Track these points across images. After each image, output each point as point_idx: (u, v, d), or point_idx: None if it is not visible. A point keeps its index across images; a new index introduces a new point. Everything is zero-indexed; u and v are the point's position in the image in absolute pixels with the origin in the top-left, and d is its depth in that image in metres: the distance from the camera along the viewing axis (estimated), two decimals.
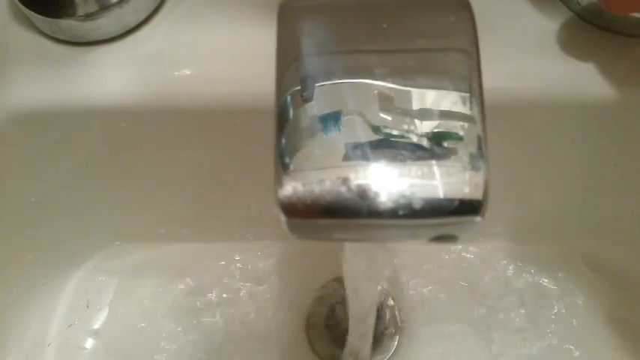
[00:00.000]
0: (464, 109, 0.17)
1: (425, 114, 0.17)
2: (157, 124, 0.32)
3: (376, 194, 0.16)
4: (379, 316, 0.39)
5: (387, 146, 0.17)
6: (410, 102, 0.17)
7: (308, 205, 0.16)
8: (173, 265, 0.41)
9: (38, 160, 0.33)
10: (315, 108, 0.17)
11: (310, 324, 0.39)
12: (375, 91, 0.18)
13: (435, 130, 0.17)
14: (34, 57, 0.31)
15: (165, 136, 0.33)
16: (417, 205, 0.16)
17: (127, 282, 0.41)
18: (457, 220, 0.17)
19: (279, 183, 0.17)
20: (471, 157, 0.17)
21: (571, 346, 0.38)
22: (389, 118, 0.17)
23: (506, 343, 0.38)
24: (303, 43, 0.18)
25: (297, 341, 0.38)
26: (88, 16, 0.29)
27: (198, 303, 0.40)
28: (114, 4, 0.30)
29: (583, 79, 0.30)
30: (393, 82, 0.18)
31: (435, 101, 0.17)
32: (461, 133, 0.17)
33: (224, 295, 0.40)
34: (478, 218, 0.16)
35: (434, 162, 0.17)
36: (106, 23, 0.30)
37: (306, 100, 0.18)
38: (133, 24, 0.31)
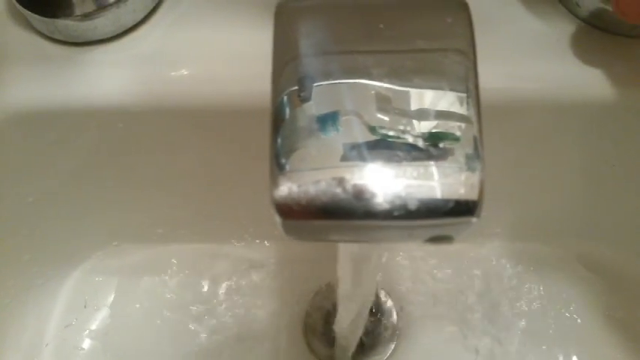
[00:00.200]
0: (460, 110, 0.17)
1: (421, 114, 0.17)
2: (154, 124, 0.32)
3: (372, 195, 0.16)
4: (378, 318, 0.39)
5: (383, 147, 0.17)
6: (406, 102, 0.17)
7: (303, 206, 0.16)
8: (171, 265, 0.41)
9: (35, 160, 0.33)
10: (312, 108, 0.17)
11: (308, 324, 0.39)
12: (372, 92, 0.17)
13: (431, 131, 0.17)
14: (32, 57, 0.31)
15: (163, 136, 0.33)
16: (413, 206, 0.16)
17: (125, 282, 0.41)
18: (453, 221, 0.16)
19: (274, 183, 0.17)
20: (467, 157, 0.17)
21: (570, 347, 0.38)
22: (386, 118, 0.17)
23: (505, 344, 0.38)
24: (300, 44, 0.18)
25: (295, 341, 0.38)
26: (86, 16, 0.29)
27: (195, 304, 0.40)
28: (111, 4, 0.29)
29: (582, 80, 0.30)
30: (390, 83, 0.18)
31: (432, 102, 0.17)
32: (457, 133, 0.17)
33: (221, 296, 0.40)
34: (474, 219, 0.16)
35: (430, 163, 0.16)
36: (104, 23, 0.30)
37: (304, 100, 0.17)
38: (130, 24, 0.31)
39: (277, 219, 0.17)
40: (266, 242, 0.41)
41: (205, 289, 0.40)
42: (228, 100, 0.31)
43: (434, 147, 0.17)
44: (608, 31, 0.30)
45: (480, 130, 0.17)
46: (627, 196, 0.36)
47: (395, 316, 0.39)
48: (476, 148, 0.17)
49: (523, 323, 0.38)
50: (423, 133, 0.17)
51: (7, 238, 0.35)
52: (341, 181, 0.16)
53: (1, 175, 0.33)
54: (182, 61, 0.31)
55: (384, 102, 0.17)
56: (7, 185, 0.33)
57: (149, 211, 0.39)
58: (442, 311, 0.39)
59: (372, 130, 0.17)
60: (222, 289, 0.40)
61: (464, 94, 0.17)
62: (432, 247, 0.39)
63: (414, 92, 0.18)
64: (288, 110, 0.17)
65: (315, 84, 0.18)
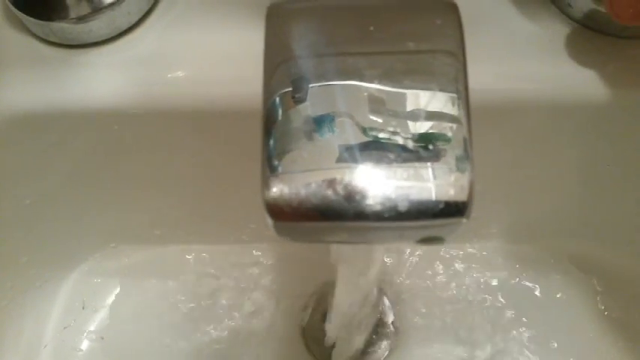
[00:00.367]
0: (450, 111, 0.17)
1: (412, 116, 0.17)
2: (150, 125, 0.32)
3: (362, 197, 0.16)
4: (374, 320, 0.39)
5: (374, 148, 0.17)
6: (396, 104, 0.18)
7: (294, 207, 0.16)
8: (168, 266, 0.41)
9: (32, 162, 0.33)
10: (306, 109, 0.17)
11: (306, 325, 0.39)
12: (364, 94, 0.18)
13: (422, 132, 0.17)
14: (27, 60, 0.31)
15: (159, 137, 0.33)
16: (403, 207, 0.16)
17: (123, 283, 0.41)
18: (443, 222, 0.17)
19: (266, 185, 0.17)
20: (457, 159, 0.17)
21: (567, 347, 0.38)
22: (377, 120, 0.17)
23: (501, 345, 0.38)
24: (291, 46, 0.18)
25: (293, 342, 0.39)
26: (80, 19, 0.29)
27: (193, 305, 0.40)
28: (106, 7, 0.30)
29: (575, 81, 0.30)
30: (381, 85, 0.18)
31: (422, 103, 0.18)
32: (447, 135, 0.17)
33: (219, 297, 0.40)
34: (464, 220, 0.16)
35: (420, 164, 0.17)
36: (98, 26, 0.30)
37: (299, 101, 0.18)
38: (125, 26, 0.31)
39: (269, 220, 0.17)
40: (264, 243, 0.41)
41: (203, 290, 0.40)
42: (224, 101, 0.31)
43: (424, 148, 0.17)
44: (601, 31, 0.30)
45: (470, 132, 0.17)
46: (622, 197, 0.36)
47: (391, 319, 0.39)
48: (465, 149, 0.17)
49: (519, 324, 0.38)
50: (414, 135, 0.17)
51: (4, 240, 0.35)
52: (332, 183, 0.16)
53: None
54: (177, 63, 0.31)
55: (375, 104, 0.17)
56: (4, 187, 0.33)
57: (146, 212, 0.39)
58: (438, 313, 0.39)
59: (364, 131, 0.17)
60: (220, 291, 0.40)
61: (454, 96, 0.18)
62: (427, 248, 0.39)
63: (404, 94, 0.18)
64: (280, 112, 0.17)
65: (310, 85, 0.18)
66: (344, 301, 0.29)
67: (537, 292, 0.39)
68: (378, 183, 0.16)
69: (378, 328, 0.39)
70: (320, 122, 0.17)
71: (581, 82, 0.30)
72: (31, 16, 0.30)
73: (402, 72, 0.18)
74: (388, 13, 0.19)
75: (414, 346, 0.38)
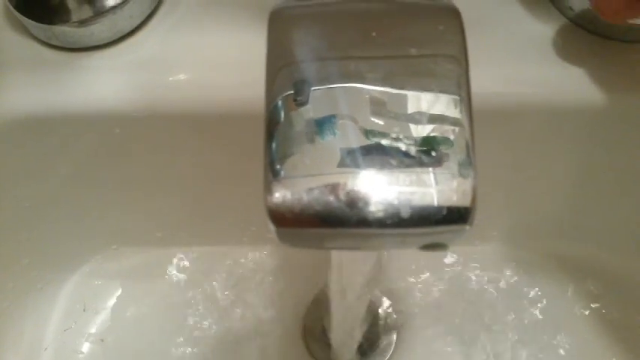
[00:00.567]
0: (452, 116, 0.17)
1: (414, 120, 0.17)
2: (151, 128, 0.32)
3: (365, 203, 0.16)
4: (374, 322, 0.39)
5: (376, 152, 0.17)
6: (399, 108, 0.17)
7: (296, 214, 0.16)
8: (170, 268, 0.41)
9: (33, 165, 0.33)
10: (309, 112, 0.17)
11: (307, 327, 0.39)
12: (365, 97, 0.18)
13: (424, 136, 0.17)
14: (29, 63, 0.31)
15: (160, 140, 0.33)
16: (406, 214, 0.16)
17: (124, 286, 0.41)
18: (446, 229, 0.17)
19: (268, 190, 0.17)
20: (459, 164, 0.17)
21: (565, 349, 0.38)
22: (380, 124, 0.17)
23: (501, 347, 0.38)
24: (293, 51, 0.18)
25: (294, 344, 0.39)
26: (82, 23, 0.29)
27: (194, 307, 0.40)
28: (108, 11, 0.30)
29: (576, 84, 0.30)
30: (383, 88, 0.18)
31: (424, 108, 0.18)
32: (449, 139, 0.17)
33: (220, 299, 0.40)
34: (467, 227, 0.16)
35: (422, 169, 0.17)
36: (100, 29, 0.30)
37: (301, 104, 0.18)
38: (127, 30, 0.31)
39: (271, 227, 0.17)
40: (265, 245, 0.41)
41: (204, 292, 0.40)
42: (225, 104, 0.31)
43: (427, 153, 0.17)
44: (602, 35, 0.30)
45: (473, 137, 0.17)
46: (621, 200, 0.36)
47: (392, 320, 0.39)
48: (468, 154, 0.17)
49: (517, 326, 0.38)
50: (416, 139, 0.17)
51: (6, 242, 0.35)
52: (334, 189, 0.16)
53: None
54: (179, 66, 0.31)
55: (377, 107, 0.17)
56: (5, 189, 0.33)
57: (148, 214, 0.39)
58: (439, 315, 0.39)
59: (366, 134, 0.17)
60: (221, 292, 0.40)
61: (456, 100, 0.18)
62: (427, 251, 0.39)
63: (406, 98, 0.18)
64: (282, 115, 0.17)
65: (311, 88, 0.18)
66: (339, 300, 0.29)
67: (536, 295, 0.39)
68: (380, 189, 0.16)
69: (378, 329, 0.39)
70: (322, 125, 0.17)
71: (582, 85, 0.30)
72: (33, 19, 0.30)
73: (404, 76, 0.18)
74: (390, 18, 0.19)
75: (413, 347, 0.38)
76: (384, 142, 0.17)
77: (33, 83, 0.30)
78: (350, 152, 0.17)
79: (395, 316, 0.39)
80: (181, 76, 0.31)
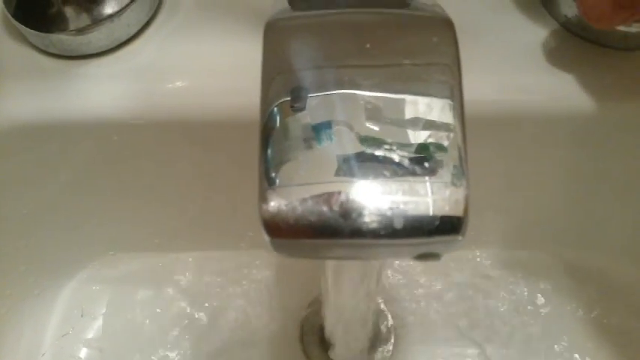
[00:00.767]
0: (444, 124, 0.18)
1: (408, 128, 0.17)
2: (149, 136, 0.32)
3: (358, 214, 0.16)
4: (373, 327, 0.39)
5: (370, 160, 0.17)
6: (394, 116, 0.18)
7: (291, 225, 0.16)
8: (167, 274, 0.41)
9: (31, 172, 0.33)
10: (304, 119, 0.18)
11: (304, 331, 0.39)
12: (361, 105, 0.18)
13: (417, 145, 0.17)
14: (26, 71, 0.31)
15: (158, 147, 0.33)
16: (399, 224, 0.16)
17: (122, 291, 0.41)
18: (439, 240, 0.17)
19: (263, 199, 0.17)
20: (452, 173, 0.17)
21: (564, 355, 0.38)
22: (375, 131, 0.17)
23: (499, 353, 0.38)
24: (288, 60, 0.19)
25: (292, 349, 0.39)
26: (80, 31, 0.30)
27: (192, 312, 0.40)
28: (105, 19, 0.30)
29: (570, 92, 0.30)
30: (377, 96, 0.18)
31: (418, 115, 0.18)
32: (442, 148, 0.17)
33: (218, 304, 0.40)
34: (459, 237, 0.17)
35: (415, 179, 0.17)
36: (98, 37, 0.30)
37: (298, 110, 0.18)
38: (124, 38, 0.31)
39: (266, 237, 0.17)
40: (262, 250, 0.41)
41: (202, 297, 0.40)
42: (222, 111, 0.31)
43: (420, 161, 0.17)
44: (596, 42, 0.31)
45: (465, 145, 0.17)
46: (615, 205, 0.36)
47: (390, 324, 0.39)
48: (461, 163, 0.17)
49: (516, 331, 0.38)
50: (410, 147, 0.17)
51: (3, 248, 0.35)
52: (328, 199, 0.16)
53: None
54: (176, 73, 0.31)
55: (373, 115, 0.18)
56: (3, 196, 0.34)
57: (145, 220, 0.39)
58: (435, 320, 0.39)
59: (362, 140, 0.17)
60: (219, 298, 0.40)
61: (449, 109, 0.18)
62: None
63: (400, 106, 0.18)
64: (278, 121, 0.18)
65: (307, 95, 0.18)
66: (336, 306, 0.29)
67: (534, 300, 0.39)
68: (373, 199, 0.16)
69: (377, 335, 0.39)
70: (318, 130, 0.17)
71: (575, 93, 0.30)
72: (31, 27, 0.30)
73: (398, 84, 0.18)
74: (384, 30, 0.19)
75: (411, 352, 0.38)
76: (378, 150, 0.17)
77: (31, 91, 0.31)
78: (345, 161, 0.17)
79: (391, 322, 0.39)
80: (178, 84, 0.31)
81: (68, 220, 0.37)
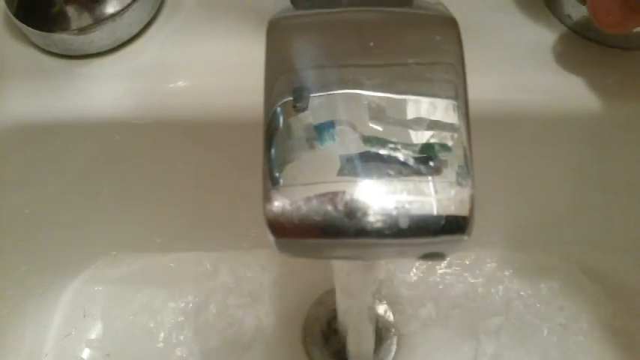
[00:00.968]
0: (449, 124, 0.17)
1: (412, 127, 0.17)
2: (150, 136, 0.32)
3: (363, 214, 0.16)
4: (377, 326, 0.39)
5: (374, 160, 0.17)
6: (398, 115, 0.17)
7: (295, 225, 0.16)
8: (169, 274, 0.41)
9: (33, 172, 0.33)
10: (308, 118, 0.17)
11: (307, 333, 0.39)
12: (364, 103, 0.18)
13: (422, 144, 0.17)
14: (28, 70, 0.31)
15: (160, 147, 0.33)
16: (404, 224, 0.16)
17: (124, 292, 0.41)
18: (444, 239, 0.17)
19: (267, 199, 0.17)
20: (457, 173, 0.17)
21: (569, 356, 0.38)
22: (378, 130, 0.17)
23: (504, 354, 0.38)
24: (291, 59, 0.19)
25: (294, 350, 0.39)
26: (82, 31, 0.29)
27: (194, 312, 0.40)
28: (107, 18, 0.30)
29: (574, 92, 0.30)
30: (381, 96, 0.18)
31: (422, 115, 0.18)
32: (446, 147, 0.17)
33: (220, 304, 0.40)
34: (465, 237, 0.16)
35: (420, 178, 0.17)
36: (100, 37, 0.30)
37: (300, 110, 0.18)
38: (126, 37, 0.31)
39: (270, 237, 0.17)
40: (264, 250, 0.41)
41: (204, 297, 0.40)
42: (224, 111, 0.31)
43: (425, 161, 0.17)
44: (600, 42, 0.30)
45: (470, 144, 0.17)
46: (622, 205, 0.36)
47: (393, 325, 0.39)
48: (466, 162, 0.17)
49: (522, 332, 0.38)
50: (414, 146, 0.17)
51: (5, 248, 0.35)
52: (333, 199, 0.16)
53: None
54: (178, 73, 0.31)
55: (376, 114, 0.17)
56: (5, 196, 0.34)
57: (147, 220, 0.39)
58: (441, 320, 0.39)
59: (365, 140, 0.17)
60: (221, 298, 0.40)
61: (454, 108, 0.18)
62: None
63: (404, 105, 0.18)
64: (281, 121, 0.17)
65: (310, 95, 0.18)
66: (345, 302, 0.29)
67: (539, 301, 0.39)
68: (378, 199, 0.16)
69: (382, 335, 0.39)
70: (321, 130, 0.17)
71: (580, 93, 0.30)
72: (33, 27, 0.30)
73: (402, 83, 0.18)
74: (387, 29, 0.19)
75: (415, 353, 0.38)
76: (383, 149, 0.17)
77: (32, 91, 0.31)
78: (349, 160, 0.17)
79: (394, 322, 0.39)
80: (180, 83, 0.31)
81: (70, 220, 0.37)
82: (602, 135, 0.31)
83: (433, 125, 0.17)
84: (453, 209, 0.16)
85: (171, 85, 0.31)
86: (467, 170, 0.17)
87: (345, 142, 0.17)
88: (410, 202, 0.16)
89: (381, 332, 0.39)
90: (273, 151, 0.17)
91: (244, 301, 0.40)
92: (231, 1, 0.33)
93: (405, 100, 0.18)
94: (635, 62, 0.30)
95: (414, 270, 0.40)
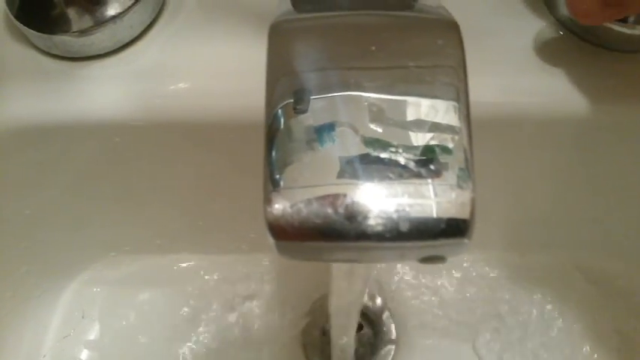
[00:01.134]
0: (450, 126, 0.17)
1: (412, 129, 0.17)
2: (151, 137, 0.32)
3: (364, 217, 0.16)
4: (376, 331, 0.39)
5: (375, 162, 0.17)
6: (398, 117, 0.17)
7: (296, 227, 0.16)
8: (168, 276, 0.41)
9: (33, 173, 0.33)
10: (308, 121, 0.17)
11: (305, 335, 0.39)
12: (365, 107, 0.18)
13: (423, 147, 0.17)
14: (29, 72, 0.31)
15: (160, 149, 0.33)
16: (404, 227, 0.16)
17: (123, 293, 0.41)
18: (445, 243, 0.17)
19: (268, 202, 0.17)
20: (458, 176, 0.17)
21: (565, 357, 0.38)
22: (379, 132, 0.17)
23: (504, 356, 0.38)
24: (293, 62, 0.19)
25: (292, 352, 0.39)
26: (83, 32, 0.30)
27: (193, 314, 0.40)
28: (108, 20, 0.30)
29: (573, 94, 0.30)
30: (381, 98, 0.18)
31: (422, 117, 0.18)
32: (447, 150, 0.17)
33: (219, 306, 0.40)
34: (465, 240, 0.16)
35: (421, 181, 0.17)
36: (100, 39, 0.30)
37: (301, 112, 0.18)
38: (127, 39, 0.31)
39: (270, 240, 0.17)
40: (263, 253, 0.41)
41: (203, 299, 0.40)
42: (225, 113, 0.31)
43: (425, 164, 0.17)
44: (599, 45, 0.31)
45: (471, 147, 0.17)
46: (620, 207, 0.36)
47: (392, 327, 0.39)
48: (466, 165, 0.17)
49: (521, 335, 0.38)
50: (415, 149, 0.17)
51: (4, 250, 0.35)
52: (333, 202, 0.16)
53: None
54: (179, 75, 0.31)
55: (377, 116, 0.17)
56: (4, 198, 0.34)
57: (147, 222, 0.39)
58: (438, 323, 0.39)
59: (365, 142, 0.17)
60: (220, 300, 0.40)
61: (455, 111, 0.18)
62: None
63: (405, 107, 0.18)
64: (282, 123, 0.17)
65: (311, 97, 0.18)
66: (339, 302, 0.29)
67: (537, 303, 0.39)
68: (379, 202, 0.16)
69: (377, 337, 0.39)
70: (321, 132, 0.17)
71: (578, 95, 0.30)
72: (34, 29, 0.30)
73: (403, 85, 0.18)
74: (389, 32, 0.19)
75: (412, 355, 0.38)
76: (383, 152, 0.17)
77: (33, 92, 0.31)
78: (349, 162, 0.17)
79: (393, 325, 0.39)
80: (181, 85, 0.31)
81: (70, 221, 0.37)
82: (601, 137, 0.31)
83: (434, 128, 0.17)
84: (453, 212, 0.16)
85: (172, 87, 0.31)
86: (467, 173, 0.17)
87: (346, 145, 0.17)
88: (410, 205, 0.16)
89: (377, 335, 0.39)
90: (273, 153, 0.17)
91: (243, 302, 0.40)
92: (232, 3, 0.33)
93: (405, 102, 0.18)
94: (634, 65, 0.30)
95: (412, 273, 0.40)
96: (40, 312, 0.39)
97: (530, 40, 0.31)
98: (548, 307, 0.39)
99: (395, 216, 0.16)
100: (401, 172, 0.17)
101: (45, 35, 0.30)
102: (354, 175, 0.17)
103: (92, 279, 0.41)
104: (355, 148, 0.17)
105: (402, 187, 0.16)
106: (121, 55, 0.31)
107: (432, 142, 0.17)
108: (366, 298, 0.39)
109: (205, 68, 0.31)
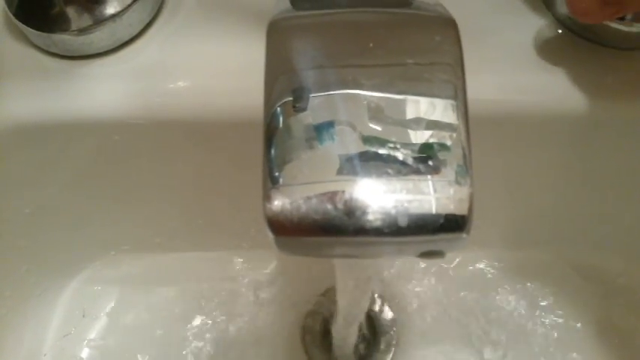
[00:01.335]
0: (448, 123, 0.18)
1: (411, 126, 0.17)
2: (150, 136, 0.32)
3: (362, 212, 0.16)
4: (375, 331, 0.39)
5: (373, 159, 0.17)
6: (397, 115, 0.18)
7: (295, 223, 0.16)
8: (168, 274, 0.41)
9: (33, 172, 0.34)
10: (308, 118, 0.18)
11: (306, 332, 0.39)
12: (364, 104, 0.18)
13: (421, 143, 0.17)
14: (28, 71, 0.31)
15: (160, 147, 0.33)
16: (403, 222, 0.16)
17: (123, 291, 0.41)
18: (443, 237, 0.17)
19: (267, 198, 0.17)
20: (456, 172, 0.17)
21: (567, 355, 0.38)
22: (378, 130, 0.17)
23: (502, 352, 0.38)
24: (291, 59, 0.19)
25: (293, 349, 0.39)
26: (82, 31, 0.30)
27: (193, 312, 0.40)
28: (107, 19, 0.30)
29: (571, 92, 0.30)
30: (380, 96, 0.18)
31: (421, 114, 0.18)
32: (445, 146, 0.17)
33: (219, 304, 0.40)
34: (464, 235, 0.17)
35: (419, 177, 0.17)
36: (100, 37, 0.30)
37: (300, 110, 0.18)
38: (126, 38, 0.31)
39: (270, 235, 0.17)
40: (263, 250, 0.41)
41: (203, 297, 0.40)
42: (224, 111, 0.31)
43: (424, 160, 0.17)
44: (597, 42, 0.31)
45: (469, 144, 0.17)
46: (616, 204, 0.36)
47: (392, 326, 0.39)
48: (464, 162, 0.17)
49: (519, 332, 0.38)
50: (414, 146, 0.17)
51: (4, 249, 0.35)
52: (332, 198, 0.16)
53: None
54: (178, 73, 0.31)
55: (376, 113, 0.18)
56: (4, 197, 0.34)
57: (147, 220, 0.39)
58: (438, 320, 0.39)
59: (364, 140, 0.17)
60: (219, 298, 0.40)
61: (453, 108, 0.18)
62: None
63: (403, 105, 0.18)
64: (281, 121, 0.18)
65: (310, 95, 0.18)
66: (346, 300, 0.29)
67: (535, 300, 0.39)
68: (378, 197, 0.16)
69: (379, 336, 0.39)
70: (320, 130, 0.17)
71: (576, 93, 0.30)
72: (33, 27, 0.30)
73: (401, 83, 0.18)
74: (387, 29, 0.19)
75: (412, 353, 0.38)
76: (382, 149, 0.17)
77: (33, 91, 0.31)
78: (348, 159, 0.17)
79: (393, 322, 0.39)
80: (180, 84, 0.31)
81: (69, 220, 0.37)
82: (599, 135, 0.32)
83: (432, 125, 0.18)
84: (452, 208, 0.17)
85: (172, 86, 0.31)
86: (466, 169, 0.17)
87: (345, 142, 0.17)
88: (409, 201, 0.16)
89: (377, 333, 0.39)
90: (273, 150, 0.17)
91: (243, 300, 0.40)
92: (231, 2, 0.33)
93: (404, 100, 0.18)
94: (634, 62, 0.30)
95: (409, 269, 0.41)
96: (40, 311, 0.39)
97: (528, 38, 0.31)
98: (548, 304, 0.39)
99: (393, 211, 0.16)
100: (399, 169, 0.17)
101: (44, 34, 0.30)
102: (353, 172, 0.17)
103: (92, 278, 0.41)
104: (354, 145, 0.17)
105: (401, 183, 0.17)
106: (121, 53, 0.31)
107: (431, 139, 0.17)
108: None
109: (204, 67, 0.31)
